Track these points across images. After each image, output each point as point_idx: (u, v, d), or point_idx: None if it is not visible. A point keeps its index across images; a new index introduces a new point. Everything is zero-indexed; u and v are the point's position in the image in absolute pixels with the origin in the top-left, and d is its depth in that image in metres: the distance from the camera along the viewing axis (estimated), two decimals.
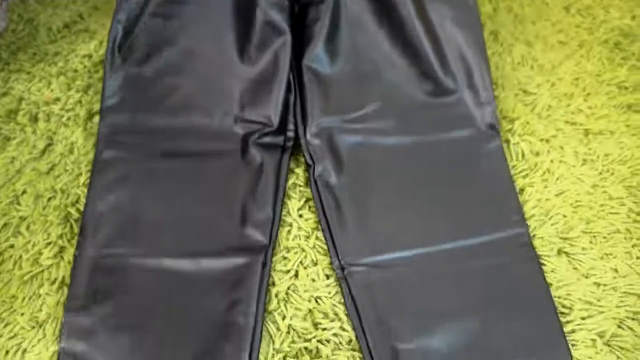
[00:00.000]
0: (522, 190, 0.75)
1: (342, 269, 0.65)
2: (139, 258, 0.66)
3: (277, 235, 0.69)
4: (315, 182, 0.71)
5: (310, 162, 0.73)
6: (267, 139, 0.75)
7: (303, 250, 0.69)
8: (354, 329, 0.63)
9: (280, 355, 0.62)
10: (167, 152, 0.74)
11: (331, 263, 0.67)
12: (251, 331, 0.61)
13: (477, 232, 0.68)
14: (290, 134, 0.76)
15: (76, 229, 0.70)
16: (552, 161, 0.77)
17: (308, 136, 0.75)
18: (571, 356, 0.62)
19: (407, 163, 0.74)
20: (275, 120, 0.75)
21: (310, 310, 0.65)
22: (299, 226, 0.71)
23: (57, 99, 0.83)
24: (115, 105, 0.76)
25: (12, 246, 0.70)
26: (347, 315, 0.65)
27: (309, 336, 0.63)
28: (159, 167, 0.73)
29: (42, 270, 0.68)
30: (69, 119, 0.81)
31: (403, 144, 0.76)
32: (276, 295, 0.66)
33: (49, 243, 0.70)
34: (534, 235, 0.71)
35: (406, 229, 0.68)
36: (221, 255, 0.66)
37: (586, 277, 0.68)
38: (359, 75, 0.78)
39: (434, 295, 0.64)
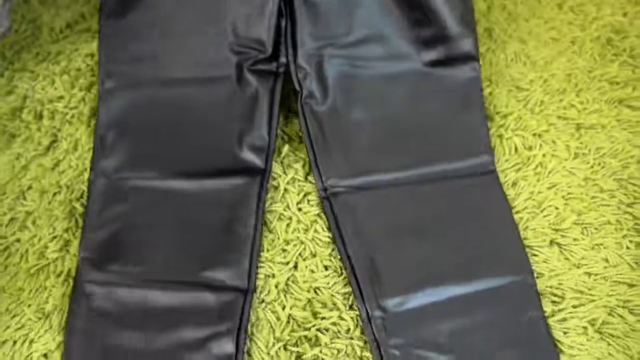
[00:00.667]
0: (515, 183, 0.77)
1: (325, 189, 0.71)
2: (146, 180, 0.72)
3: (272, 159, 0.74)
4: (302, 108, 0.75)
5: (298, 87, 0.76)
6: (260, 66, 0.78)
7: (302, 242, 0.71)
8: (334, 241, 0.70)
9: (281, 344, 0.64)
10: (164, 79, 0.77)
11: (315, 185, 0.74)
12: (251, 240, 0.68)
13: (449, 158, 0.74)
14: (283, 59, 0.78)
15: (81, 223, 0.72)
16: (544, 155, 0.79)
17: (297, 61, 0.78)
18: (532, 271, 0.68)
19: (388, 91, 0.79)
20: (269, 46, 0.78)
21: (309, 300, 0.67)
22: (298, 219, 0.72)
23: (61, 97, 0.85)
24: (111, 36, 0.79)
25: (18, 240, 0.72)
26: (345, 304, 0.67)
27: (309, 325, 0.65)
28: (158, 94, 0.77)
29: (48, 264, 0.70)
30: (72, 116, 0.83)
31: (386, 73, 0.79)
32: (276, 286, 0.68)
33: (55, 237, 0.72)
34: (526, 227, 0.73)
35: (385, 154, 0.74)
36: (221, 177, 0.72)
37: (577, 267, 0.70)
38: (347, 2, 0.81)
39: (408, 214, 0.70)
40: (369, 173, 0.73)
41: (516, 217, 0.74)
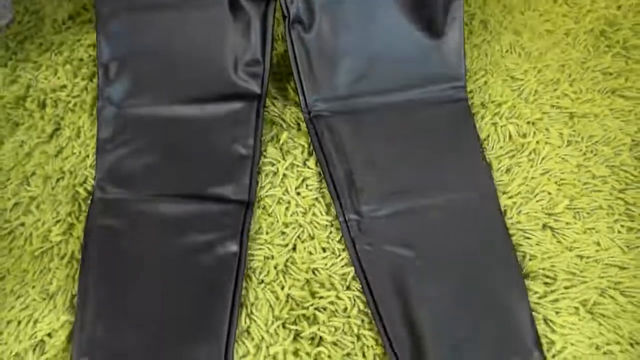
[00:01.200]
0: (509, 169, 0.78)
1: (309, 112, 0.78)
2: (149, 107, 0.78)
3: (268, 84, 0.79)
4: (290, 33, 0.78)
5: (285, 12, 0.78)
6: None
7: (300, 225, 0.72)
8: (317, 159, 0.77)
9: (280, 322, 0.66)
10: (158, 3, 0.79)
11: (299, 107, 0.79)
12: (251, 159, 0.75)
13: (425, 84, 0.80)
14: None
15: (84, 207, 0.74)
16: (538, 142, 0.81)
17: None
18: (496, 190, 0.74)
19: (373, 17, 0.81)
20: None
21: (307, 281, 0.69)
22: (297, 203, 0.74)
23: (64, 86, 0.86)
24: None
25: (22, 224, 0.74)
26: (342, 285, 0.68)
27: (307, 304, 0.67)
28: (153, 18, 0.79)
29: (52, 246, 0.72)
30: (75, 104, 0.84)
31: None
32: (275, 267, 0.69)
33: (58, 221, 0.73)
34: (519, 212, 0.75)
35: (366, 80, 0.79)
36: (220, 102, 0.77)
37: (570, 250, 0.72)
38: None
39: (385, 136, 0.77)
40: (351, 98, 0.79)
41: (509, 201, 0.75)
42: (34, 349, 0.65)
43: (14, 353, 0.65)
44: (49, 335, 0.66)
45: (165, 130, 0.76)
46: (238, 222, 0.70)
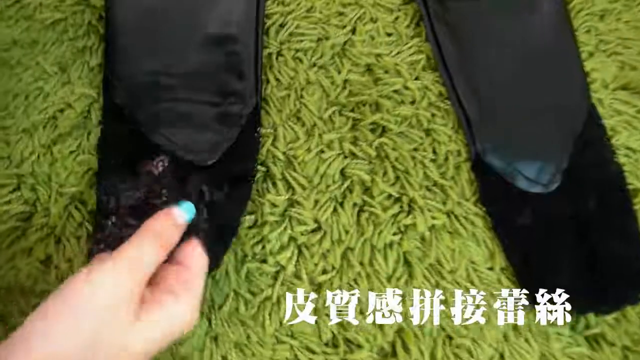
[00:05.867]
0: None
1: None
2: None
3: None
4: None
5: None
6: None
7: (362, 6, 0.60)
8: None
9: (335, 108, 0.55)
10: None
11: None
12: None
13: None
14: None
15: None
16: None
17: None
18: None
19: None
20: None
21: (369, 66, 0.58)
22: None
23: None
24: None
25: None
26: (411, 74, 0.58)
27: (368, 91, 0.56)
28: None
29: (66, 17, 0.60)
30: None
31: None
32: (331, 49, 0.58)
33: None
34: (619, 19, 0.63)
35: None
36: None
37: None
38: None
39: None
40: None
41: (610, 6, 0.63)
42: (44, 125, 0.55)
43: (21, 129, 0.55)
44: (61, 111, 0.56)
45: None
46: None
